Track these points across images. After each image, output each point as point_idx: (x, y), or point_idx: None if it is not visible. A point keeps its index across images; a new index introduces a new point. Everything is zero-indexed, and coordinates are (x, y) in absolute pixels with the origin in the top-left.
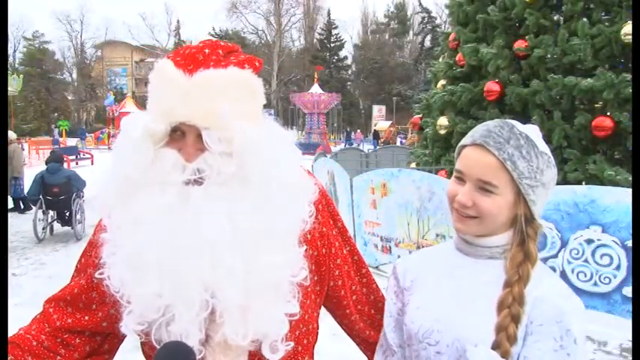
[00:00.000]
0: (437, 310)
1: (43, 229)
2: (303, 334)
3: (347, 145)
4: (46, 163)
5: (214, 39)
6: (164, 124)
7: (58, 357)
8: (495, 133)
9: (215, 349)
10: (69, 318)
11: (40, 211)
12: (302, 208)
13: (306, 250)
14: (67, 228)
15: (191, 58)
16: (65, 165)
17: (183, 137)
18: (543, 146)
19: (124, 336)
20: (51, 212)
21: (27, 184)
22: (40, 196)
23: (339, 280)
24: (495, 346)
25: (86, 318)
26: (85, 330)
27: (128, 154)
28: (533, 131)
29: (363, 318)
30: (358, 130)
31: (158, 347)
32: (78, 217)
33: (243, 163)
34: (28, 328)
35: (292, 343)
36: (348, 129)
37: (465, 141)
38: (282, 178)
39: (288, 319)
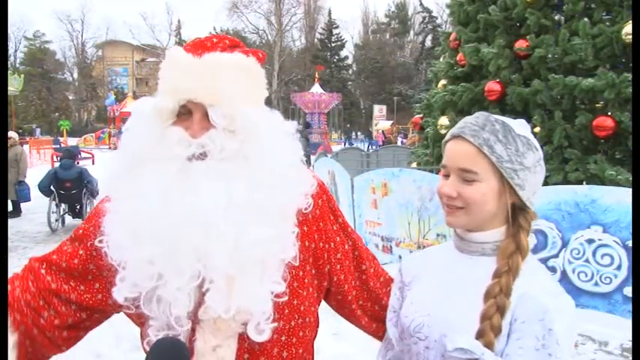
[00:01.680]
0: (427, 305)
1: (56, 220)
2: (298, 326)
3: (347, 145)
4: (60, 160)
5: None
6: (172, 101)
7: (41, 319)
8: (470, 123)
9: (205, 330)
10: (65, 284)
11: (53, 204)
12: (296, 190)
13: (302, 239)
14: (77, 220)
15: (200, 45)
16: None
17: (190, 117)
18: (522, 130)
19: (110, 313)
20: (63, 205)
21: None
22: (54, 190)
23: (342, 275)
24: (479, 336)
25: (82, 288)
26: (76, 301)
27: (136, 133)
28: (519, 124)
29: (367, 313)
30: (380, 130)
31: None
32: (88, 209)
33: (245, 140)
34: (11, 282)
35: (280, 323)
36: (348, 126)
37: (446, 137)
38: (279, 159)
39: (274, 299)
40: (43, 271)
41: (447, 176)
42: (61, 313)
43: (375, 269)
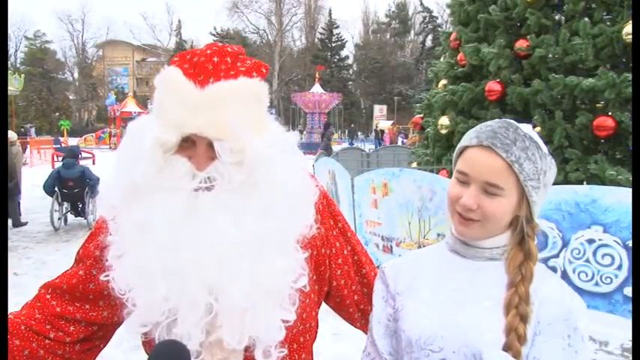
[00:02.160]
0: (439, 315)
1: (59, 219)
2: (299, 332)
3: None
4: (63, 159)
5: (217, 41)
6: (175, 135)
7: (47, 340)
8: (502, 135)
9: (212, 344)
10: (69, 306)
11: (56, 203)
12: (306, 214)
13: (304, 247)
14: (79, 219)
15: (200, 68)
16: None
17: (193, 146)
18: (545, 147)
19: (119, 325)
20: (65, 204)
21: (23, 184)
22: (56, 189)
23: (342, 280)
24: (506, 348)
25: (87, 307)
26: (83, 319)
27: (136, 162)
28: (531, 132)
29: (367, 317)
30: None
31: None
32: (90, 208)
33: (253, 171)
34: (19, 312)
35: (286, 350)
36: (352, 126)
37: (468, 142)
38: (288, 183)
39: (284, 325)
40: (48, 296)
41: (463, 183)
42: (69, 332)
43: (375, 273)
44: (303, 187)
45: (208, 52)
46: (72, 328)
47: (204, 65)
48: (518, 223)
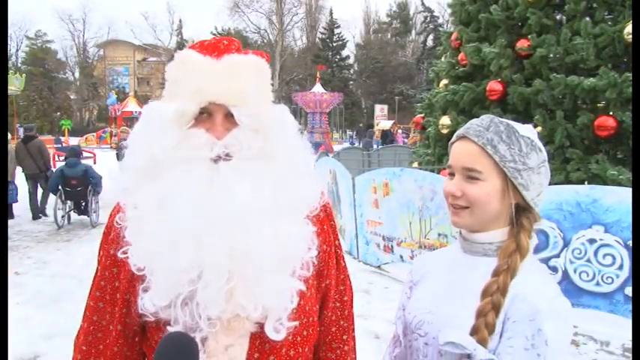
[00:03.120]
0: (429, 303)
1: (62, 217)
2: (303, 325)
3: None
4: (65, 159)
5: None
6: (195, 104)
7: None
8: (476, 124)
9: (218, 329)
10: (109, 350)
11: (59, 201)
12: (314, 189)
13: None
14: (81, 218)
15: (213, 47)
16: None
17: (209, 118)
18: (526, 132)
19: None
20: (69, 202)
21: (24, 184)
22: (60, 187)
23: (332, 280)
24: (473, 332)
25: (115, 309)
26: (125, 332)
27: (154, 136)
28: (524, 126)
29: (337, 324)
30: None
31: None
32: (93, 206)
33: (269, 138)
34: None
35: (297, 323)
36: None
37: (452, 139)
38: (300, 157)
39: (297, 296)
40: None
41: (452, 175)
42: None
43: (351, 303)
44: (311, 165)
45: (225, 41)
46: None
47: (217, 45)
48: (518, 217)
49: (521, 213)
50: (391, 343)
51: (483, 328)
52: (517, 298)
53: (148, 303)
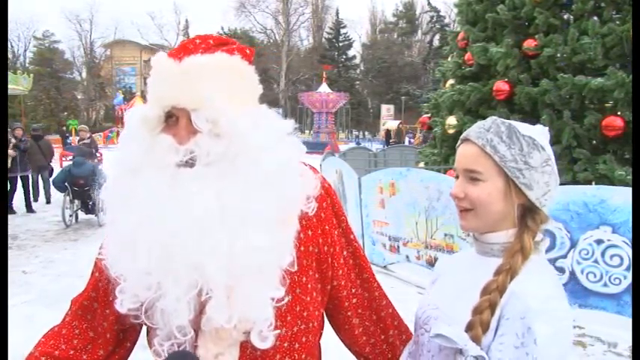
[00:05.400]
0: (438, 299)
1: (70, 216)
2: (301, 332)
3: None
4: (73, 158)
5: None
6: (157, 109)
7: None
8: (477, 126)
9: (207, 338)
10: (90, 331)
11: (67, 200)
12: (293, 193)
13: (306, 243)
14: (89, 217)
15: (182, 48)
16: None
17: (177, 123)
18: (528, 131)
19: (140, 327)
20: (76, 201)
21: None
22: (68, 187)
23: (342, 281)
24: (468, 328)
25: (107, 312)
26: (111, 328)
27: (127, 143)
28: (527, 126)
29: (364, 323)
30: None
31: (159, 337)
32: (100, 206)
33: (231, 143)
34: (45, 344)
35: (282, 330)
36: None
37: (457, 143)
38: (271, 161)
39: (275, 304)
40: (74, 323)
41: (457, 178)
42: (98, 345)
43: (375, 279)
44: (291, 168)
45: (197, 40)
46: (101, 352)
47: (186, 46)
48: (525, 218)
49: (527, 213)
50: (411, 340)
51: (478, 325)
52: (513, 296)
53: (119, 305)
